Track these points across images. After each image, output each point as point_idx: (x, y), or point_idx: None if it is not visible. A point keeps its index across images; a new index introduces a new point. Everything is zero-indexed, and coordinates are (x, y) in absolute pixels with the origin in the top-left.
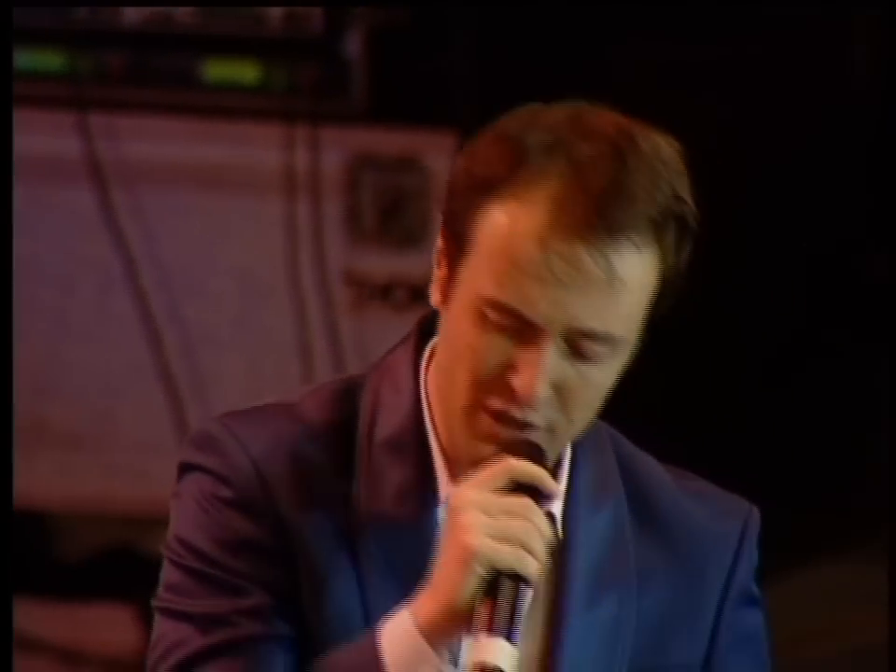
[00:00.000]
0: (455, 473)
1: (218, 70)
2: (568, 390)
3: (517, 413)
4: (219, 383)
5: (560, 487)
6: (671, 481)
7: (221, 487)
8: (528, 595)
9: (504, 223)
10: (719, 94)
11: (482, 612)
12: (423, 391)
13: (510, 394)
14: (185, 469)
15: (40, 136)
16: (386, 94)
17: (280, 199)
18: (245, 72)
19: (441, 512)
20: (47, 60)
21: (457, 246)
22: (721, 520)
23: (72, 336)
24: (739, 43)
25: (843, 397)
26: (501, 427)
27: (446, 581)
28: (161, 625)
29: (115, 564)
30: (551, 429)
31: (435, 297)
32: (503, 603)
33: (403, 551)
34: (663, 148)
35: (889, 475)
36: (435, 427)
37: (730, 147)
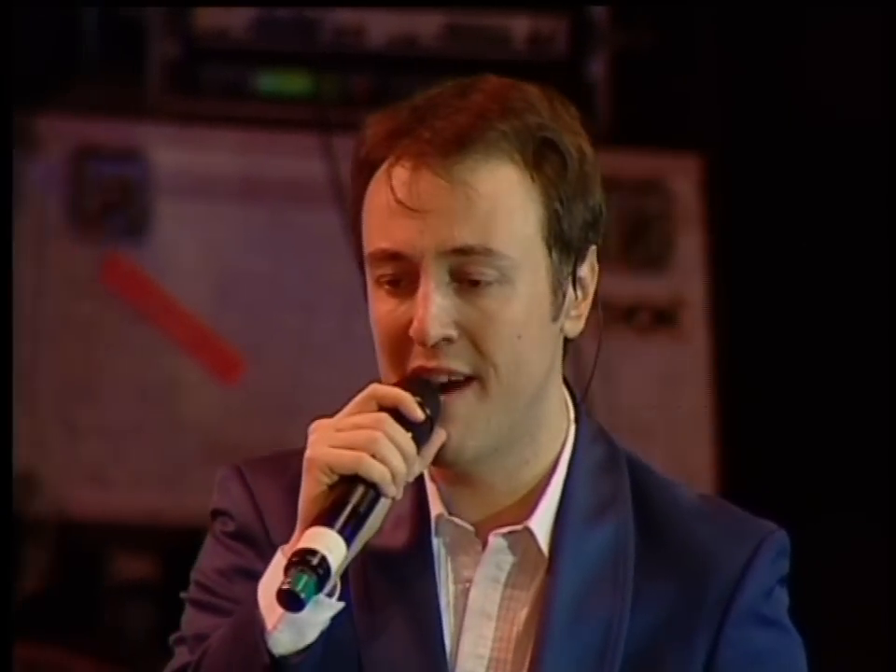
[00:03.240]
0: (446, 501)
1: None
2: (473, 326)
3: (430, 362)
4: None
5: (548, 505)
6: (691, 504)
7: (227, 522)
8: (383, 503)
9: (369, 189)
10: None
11: (322, 508)
12: None
13: (417, 347)
14: (211, 516)
15: (285, 158)
16: (630, 117)
17: None
18: None
19: (436, 541)
20: (292, 83)
21: (359, 250)
22: (732, 540)
23: (315, 358)
24: None
25: None
26: None
27: (301, 500)
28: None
29: None
30: (478, 378)
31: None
32: (347, 504)
33: (397, 576)
34: (530, 92)
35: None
36: None
37: None
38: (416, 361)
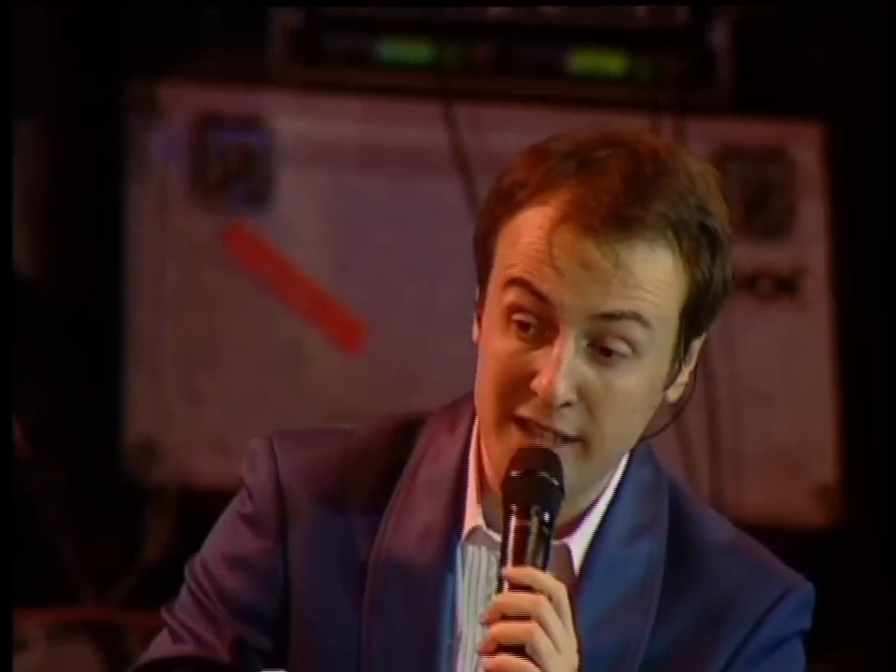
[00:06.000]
0: (487, 512)
1: (584, 61)
2: (593, 395)
3: (543, 419)
4: None
5: (590, 525)
6: (724, 538)
7: (246, 503)
8: None
9: (519, 222)
10: None
11: None
12: (475, 433)
13: (535, 400)
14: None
15: (407, 127)
16: (752, 85)
17: None
18: (610, 63)
19: (471, 550)
20: (414, 51)
21: (485, 265)
22: (759, 582)
23: (437, 327)
24: None
25: None
26: (528, 437)
27: None
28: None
29: None
30: (583, 441)
31: (475, 332)
32: None
33: (412, 591)
34: (691, 164)
35: None
36: (480, 464)
37: None
38: (526, 412)
